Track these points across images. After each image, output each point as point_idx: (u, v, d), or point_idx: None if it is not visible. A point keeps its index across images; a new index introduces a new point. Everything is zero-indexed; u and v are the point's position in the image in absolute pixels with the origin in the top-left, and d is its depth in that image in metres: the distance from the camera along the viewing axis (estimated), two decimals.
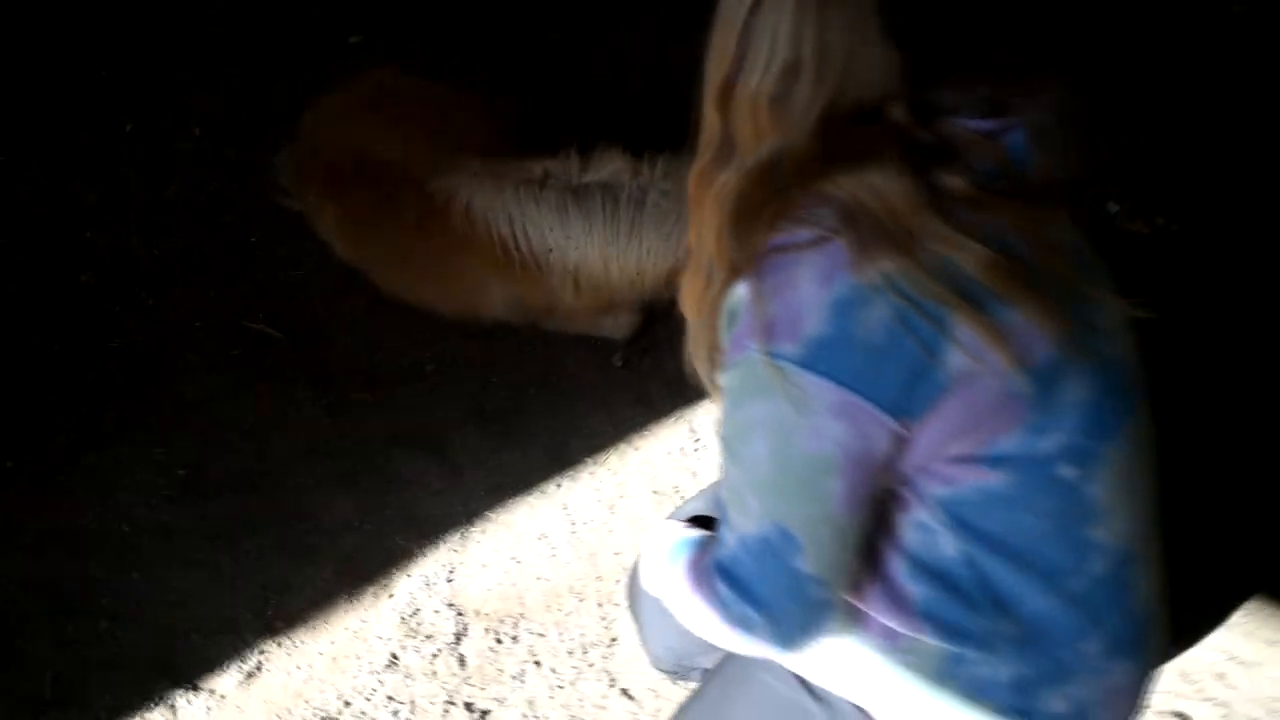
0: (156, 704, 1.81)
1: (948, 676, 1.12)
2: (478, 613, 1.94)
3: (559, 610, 1.94)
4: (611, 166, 2.14)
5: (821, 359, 0.97)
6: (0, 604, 1.93)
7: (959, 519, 1.05)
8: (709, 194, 1.08)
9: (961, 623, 1.09)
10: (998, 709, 1.12)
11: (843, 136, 0.99)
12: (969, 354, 0.96)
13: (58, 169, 2.66)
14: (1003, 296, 0.97)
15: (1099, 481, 1.06)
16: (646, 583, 1.35)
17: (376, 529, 2.04)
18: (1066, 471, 1.04)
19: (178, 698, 1.82)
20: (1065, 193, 1.09)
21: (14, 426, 2.18)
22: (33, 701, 1.81)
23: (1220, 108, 2.69)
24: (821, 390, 0.97)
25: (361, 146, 2.22)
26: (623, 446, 2.16)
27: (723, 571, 1.09)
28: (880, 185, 0.96)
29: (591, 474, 2.12)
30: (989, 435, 1.01)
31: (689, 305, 1.18)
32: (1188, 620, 1.36)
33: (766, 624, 1.07)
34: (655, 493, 2.08)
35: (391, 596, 1.96)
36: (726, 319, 1.08)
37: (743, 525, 1.07)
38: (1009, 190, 1.01)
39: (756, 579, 1.06)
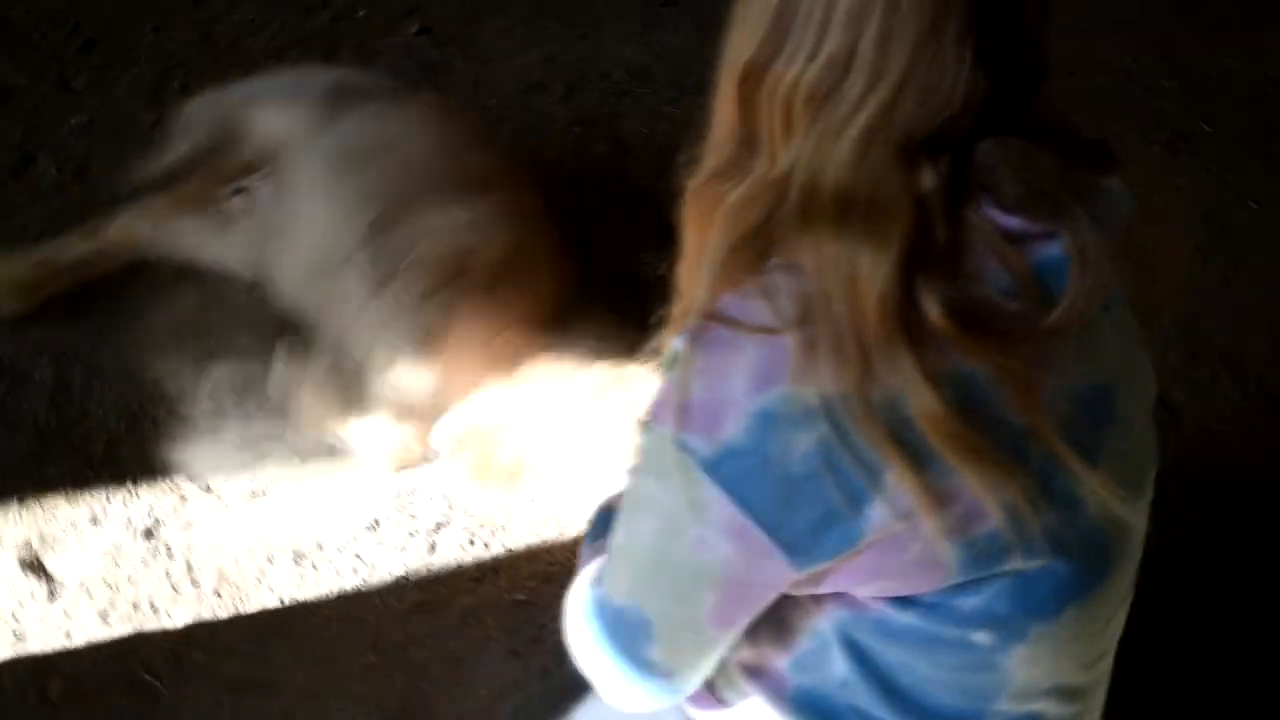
0: (171, 491, 2.02)
1: None
2: (466, 513, 2.01)
3: (538, 535, 1.98)
4: None
5: (729, 471, 0.84)
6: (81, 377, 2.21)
7: (852, 642, 0.96)
8: (716, 209, 0.89)
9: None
10: None
11: (874, 176, 0.80)
12: (895, 514, 0.82)
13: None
14: (948, 460, 0.81)
15: (1018, 656, 0.92)
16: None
17: None
18: (981, 638, 0.91)
19: (191, 492, 2.02)
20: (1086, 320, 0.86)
21: None
22: (86, 458, 2.07)
23: None
24: (719, 504, 0.85)
25: None
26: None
27: (586, 606, 1.03)
28: (865, 276, 0.79)
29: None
30: (901, 587, 0.89)
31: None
32: None
33: (603, 673, 1.02)
34: None
35: (399, 471, 2.07)
36: (667, 362, 0.95)
37: (609, 586, 0.99)
38: (1014, 320, 0.82)
39: (608, 639, 1.00)
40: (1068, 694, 0.99)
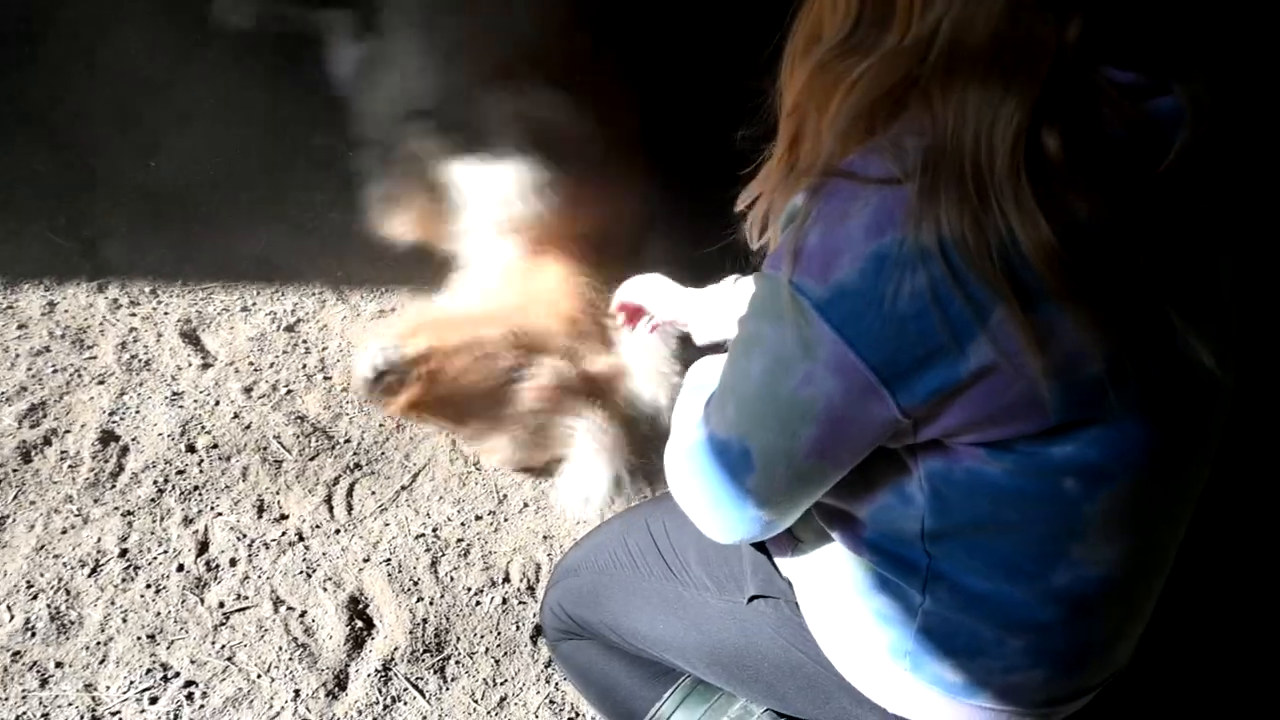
0: (313, 295, 2.25)
1: (870, 593, 1.10)
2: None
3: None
4: None
5: (840, 310, 0.88)
6: None
7: (939, 494, 0.99)
8: (841, 82, 0.94)
9: (903, 563, 1.06)
10: (891, 645, 1.09)
11: (1027, 26, 0.83)
12: (999, 352, 0.86)
13: None
14: (1055, 296, 0.84)
15: (1102, 505, 0.96)
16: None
17: None
18: (1070, 484, 0.95)
19: (329, 299, 2.25)
20: (1199, 185, 0.92)
21: None
22: (240, 253, 2.31)
23: None
24: (829, 342, 0.89)
25: None
26: None
27: (691, 441, 1.08)
28: (1004, 115, 0.83)
29: None
30: (1000, 430, 0.93)
31: (763, 179, 1.08)
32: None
33: (701, 504, 1.08)
34: None
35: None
36: (786, 219, 0.98)
37: (715, 423, 1.05)
38: (1128, 168, 0.87)
39: (712, 469, 1.05)
40: (1136, 557, 1.02)
